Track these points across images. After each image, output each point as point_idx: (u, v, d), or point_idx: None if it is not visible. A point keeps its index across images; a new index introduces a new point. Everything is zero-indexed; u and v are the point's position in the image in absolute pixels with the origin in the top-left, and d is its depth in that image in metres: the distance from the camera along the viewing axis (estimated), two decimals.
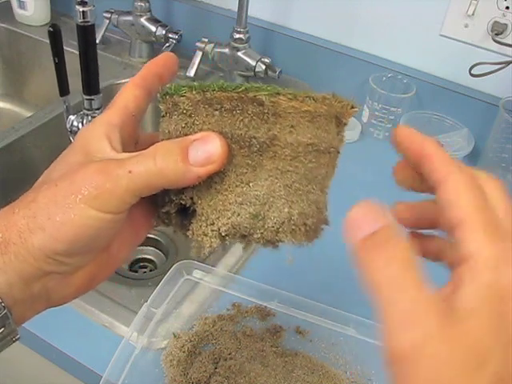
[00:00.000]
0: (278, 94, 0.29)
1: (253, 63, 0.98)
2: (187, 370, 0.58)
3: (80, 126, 0.85)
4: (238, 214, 0.31)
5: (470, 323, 0.23)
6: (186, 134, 0.30)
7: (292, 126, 0.30)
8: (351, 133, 0.96)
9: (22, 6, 1.17)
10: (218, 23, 1.07)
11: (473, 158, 0.91)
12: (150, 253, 0.97)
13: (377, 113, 0.95)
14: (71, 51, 0.92)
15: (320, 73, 1.02)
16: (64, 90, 0.81)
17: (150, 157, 0.29)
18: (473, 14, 0.87)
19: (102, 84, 1.03)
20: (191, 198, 0.31)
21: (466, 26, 0.89)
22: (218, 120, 0.30)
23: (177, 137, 0.31)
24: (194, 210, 0.32)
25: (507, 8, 0.84)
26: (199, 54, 1.01)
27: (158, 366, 0.59)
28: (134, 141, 0.34)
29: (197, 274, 0.66)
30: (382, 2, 0.94)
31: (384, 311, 0.24)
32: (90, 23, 0.74)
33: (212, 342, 0.61)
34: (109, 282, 0.77)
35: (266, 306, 0.64)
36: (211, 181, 0.31)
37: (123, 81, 1.06)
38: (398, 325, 0.24)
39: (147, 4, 1.06)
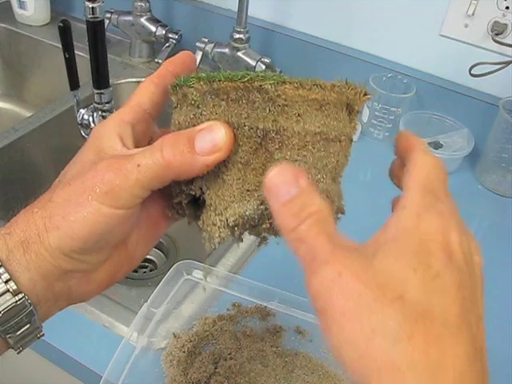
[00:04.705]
0: (284, 82, 0.29)
1: (253, 63, 0.98)
2: (187, 370, 0.58)
3: (90, 119, 0.87)
4: (245, 204, 0.31)
5: (384, 261, 0.25)
6: (194, 125, 0.31)
7: (299, 115, 0.29)
8: None
9: (22, 6, 1.17)
10: (218, 23, 1.07)
11: (473, 158, 0.91)
12: (150, 253, 0.97)
13: (377, 113, 0.95)
14: None
15: (320, 73, 1.02)
16: (74, 83, 0.83)
17: (158, 149, 0.29)
18: (473, 14, 0.87)
19: None
20: (200, 188, 0.32)
21: (466, 26, 0.89)
22: (224, 110, 0.30)
23: (186, 128, 0.31)
24: (205, 201, 0.32)
25: (507, 8, 0.84)
26: (199, 54, 1.01)
27: (157, 366, 0.59)
28: (148, 138, 0.35)
29: (197, 274, 0.66)
30: (382, 2, 0.94)
31: (303, 263, 0.26)
32: (99, 19, 0.76)
33: (212, 342, 0.61)
34: None
35: (265, 306, 0.64)
36: (219, 171, 0.31)
37: (123, 81, 1.06)
38: (313, 268, 0.26)
39: (147, 4, 1.06)
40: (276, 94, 0.29)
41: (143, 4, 1.05)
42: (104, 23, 0.77)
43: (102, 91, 0.82)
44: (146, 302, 0.60)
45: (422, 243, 0.26)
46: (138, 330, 0.58)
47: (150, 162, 0.29)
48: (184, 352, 0.59)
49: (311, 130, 0.30)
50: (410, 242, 0.26)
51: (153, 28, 1.06)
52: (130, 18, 1.07)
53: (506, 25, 0.85)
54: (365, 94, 0.31)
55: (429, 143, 0.92)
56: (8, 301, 0.29)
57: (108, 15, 1.09)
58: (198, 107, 0.30)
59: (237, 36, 0.97)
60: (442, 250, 0.26)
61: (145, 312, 0.59)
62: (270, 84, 0.29)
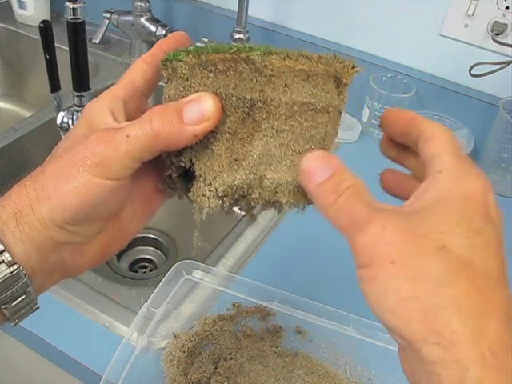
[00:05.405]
0: (271, 53, 0.30)
1: None
2: (187, 370, 0.58)
3: (70, 122, 0.86)
4: (234, 174, 0.31)
5: (426, 217, 0.27)
6: (184, 97, 0.31)
7: (286, 85, 0.30)
8: (351, 133, 0.96)
9: (22, 6, 1.17)
10: (218, 23, 1.08)
11: (473, 158, 0.91)
12: (150, 253, 0.97)
13: (377, 113, 0.95)
14: None
15: None
16: (55, 86, 0.82)
17: (146, 120, 0.30)
18: (473, 14, 0.87)
19: (102, 84, 1.03)
20: (190, 160, 0.32)
21: (466, 26, 0.89)
22: (212, 81, 0.30)
23: (175, 100, 0.31)
24: (195, 173, 0.32)
25: (507, 8, 0.84)
26: None
27: (158, 366, 0.59)
28: (140, 115, 0.35)
29: (197, 274, 0.66)
30: (382, 2, 0.94)
31: (344, 229, 0.28)
32: (80, 20, 0.75)
33: (212, 342, 0.61)
34: (109, 282, 0.77)
35: (265, 306, 0.64)
36: (208, 141, 0.31)
37: None
38: (357, 228, 0.27)
39: (147, 4, 1.06)
40: (263, 64, 0.29)
41: (143, 4, 1.05)
42: (85, 24, 0.76)
43: (82, 94, 0.82)
44: (146, 302, 0.60)
45: (464, 202, 0.27)
46: (138, 330, 0.58)
47: (139, 132, 0.30)
48: (184, 352, 0.59)
49: (298, 100, 0.30)
50: (453, 202, 0.27)
51: (153, 28, 1.06)
52: (130, 17, 1.07)
53: (506, 25, 0.85)
54: (353, 67, 0.31)
55: None
56: (3, 271, 0.29)
57: (108, 15, 1.09)
58: (187, 80, 0.31)
59: (237, 36, 0.97)
60: (482, 208, 0.27)
61: (145, 312, 0.59)
62: (257, 55, 0.29)
